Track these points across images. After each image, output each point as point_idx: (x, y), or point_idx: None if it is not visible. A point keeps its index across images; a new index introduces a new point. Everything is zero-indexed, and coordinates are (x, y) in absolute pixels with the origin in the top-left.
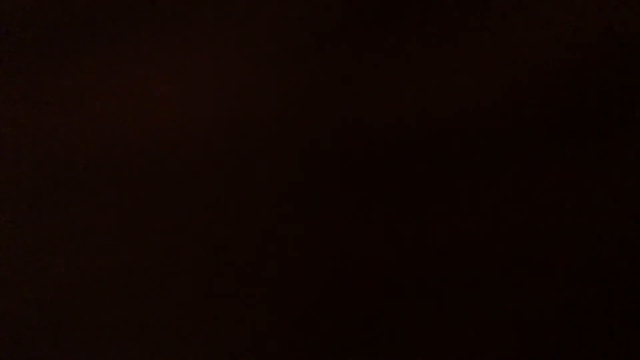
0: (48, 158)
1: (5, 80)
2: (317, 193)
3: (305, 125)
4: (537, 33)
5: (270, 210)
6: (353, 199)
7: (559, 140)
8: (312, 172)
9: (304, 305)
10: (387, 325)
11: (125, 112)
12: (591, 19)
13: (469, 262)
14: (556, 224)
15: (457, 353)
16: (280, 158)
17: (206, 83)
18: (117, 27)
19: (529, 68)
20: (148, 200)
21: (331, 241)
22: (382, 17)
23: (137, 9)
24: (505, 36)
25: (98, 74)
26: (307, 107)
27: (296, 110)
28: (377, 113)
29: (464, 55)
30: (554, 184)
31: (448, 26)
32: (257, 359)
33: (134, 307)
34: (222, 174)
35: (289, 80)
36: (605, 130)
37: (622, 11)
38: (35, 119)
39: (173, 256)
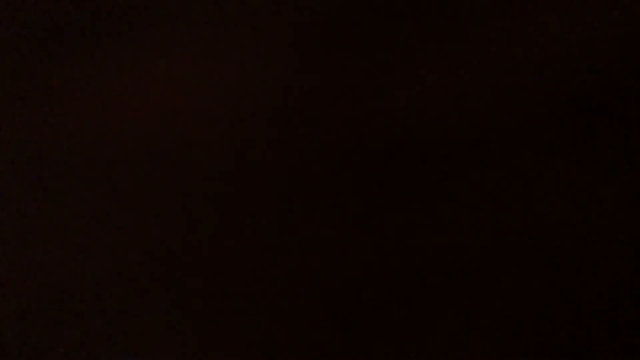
0: (46, 158)
1: (5, 80)
2: (317, 193)
3: (304, 125)
4: (537, 33)
5: (270, 209)
6: (352, 199)
7: (559, 139)
8: (312, 173)
9: (306, 304)
10: (387, 325)
11: (125, 112)
12: (591, 19)
13: (469, 261)
14: (556, 223)
15: (457, 352)
16: (279, 159)
17: (205, 83)
18: (117, 27)
19: (529, 68)
20: (147, 200)
21: (332, 240)
22: (382, 18)
23: (139, 10)
24: (506, 36)
25: (98, 75)
26: (306, 107)
27: (295, 111)
28: (378, 113)
29: (464, 56)
30: (554, 183)
31: (449, 27)
32: (258, 358)
33: (135, 305)
34: (220, 173)
35: (287, 81)
36: (605, 129)
37: (623, 11)
38: (35, 119)
39: (173, 255)
